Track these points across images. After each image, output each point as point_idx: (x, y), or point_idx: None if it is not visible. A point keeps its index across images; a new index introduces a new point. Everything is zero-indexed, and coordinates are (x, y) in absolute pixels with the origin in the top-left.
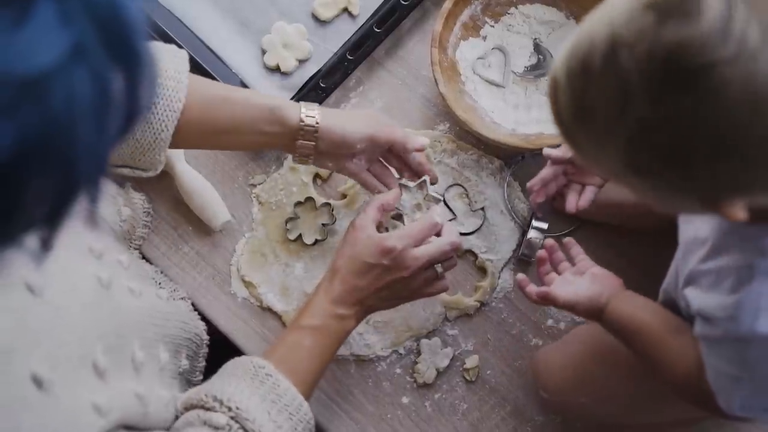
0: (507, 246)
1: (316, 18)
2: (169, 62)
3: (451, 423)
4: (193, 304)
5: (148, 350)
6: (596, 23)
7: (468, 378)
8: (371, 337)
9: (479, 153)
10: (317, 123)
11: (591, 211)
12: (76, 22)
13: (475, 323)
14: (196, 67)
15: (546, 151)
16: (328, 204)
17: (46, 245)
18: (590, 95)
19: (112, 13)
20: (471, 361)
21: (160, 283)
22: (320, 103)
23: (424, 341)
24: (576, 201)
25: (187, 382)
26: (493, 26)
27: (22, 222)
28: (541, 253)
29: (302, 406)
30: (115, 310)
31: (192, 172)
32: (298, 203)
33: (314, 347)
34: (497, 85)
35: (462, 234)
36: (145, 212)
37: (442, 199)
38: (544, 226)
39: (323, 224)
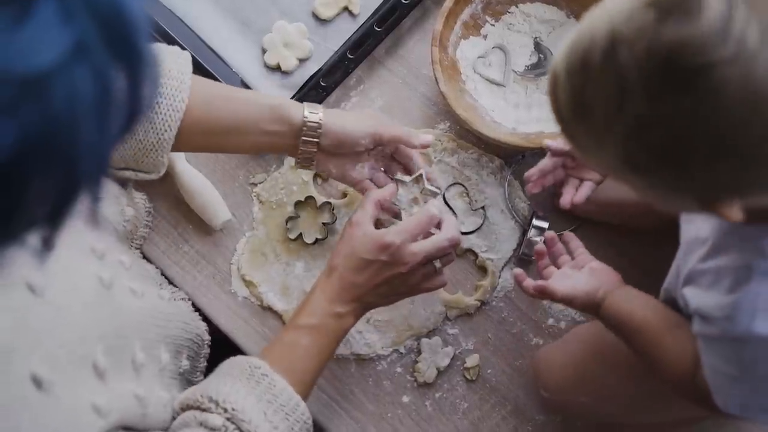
0: (507, 245)
1: (316, 17)
2: (172, 63)
3: (452, 422)
4: (193, 304)
5: (149, 351)
6: (597, 20)
7: (468, 377)
8: (372, 336)
9: (480, 152)
10: (320, 120)
11: (591, 210)
12: (78, 20)
13: (475, 322)
14: (197, 67)
15: (546, 142)
16: (328, 203)
17: (47, 244)
18: (589, 91)
19: (114, 11)
20: (471, 360)
21: (161, 284)
22: (321, 101)
23: (424, 340)
24: (571, 197)
25: (188, 383)
26: (493, 25)
27: (23, 221)
28: (540, 247)
29: (299, 406)
30: (116, 310)
31: (192, 171)
32: (299, 202)
33: (312, 346)
34: (498, 84)
35: (462, 233)
36: (146, 212)
37: (439, 192)
38: (545, 225)
39: (324, 223)
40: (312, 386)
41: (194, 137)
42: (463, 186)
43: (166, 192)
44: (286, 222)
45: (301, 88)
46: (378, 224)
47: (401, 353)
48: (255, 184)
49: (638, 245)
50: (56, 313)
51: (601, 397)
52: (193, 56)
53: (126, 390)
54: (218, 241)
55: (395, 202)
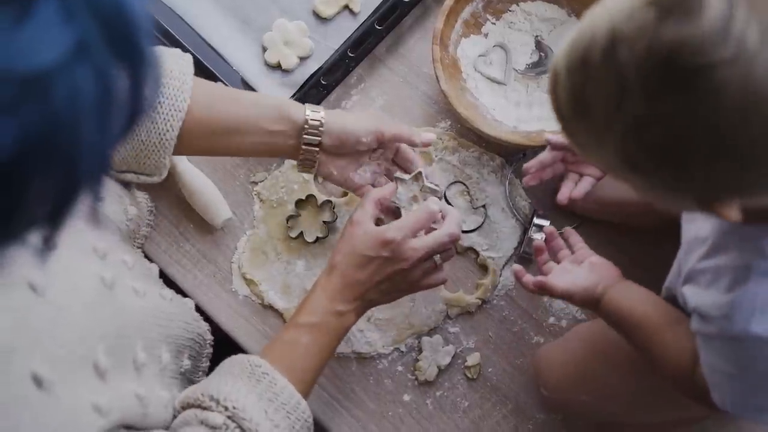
0: (508, 244)
1: (317, 15)
2: (173, 64)
3: (453, 420)
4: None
5: (150, 351)
6: (598, 18)
7: (469, 375)
8: (372, 334)
9: (480, 150)
10: (322, 118)
11: (591, 208)
12: (79, 20)
13: (476, 321)
14: (198, 65)
15: (546, 135)
16: (329, 201)
17: (48, 244)
18: (589, 90)
19: (115, 11)
20: (472, 359)
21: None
22: (321, 100)
23: (425, 339)
24: (569, 192)
25: (190, 382)
26: (494, 23)
27: (23, 220)
28: (539, 242)
29: (300, 405)
30: (118, 310)
31: (193, 170)
32: (300, 201)
33: (312, 345)
34: (499, 83)
35: (463, 232)
36: (149, 211)
37: (438, 189)
38: (546, 223)
39: (324, 222)
40: (313, 385)
41: (196, 138)
42: (464, 184)
43: (167, 191)
44: (287, 220)
45: (302, 86)
46: (378, 223)
47: (402, 352)
48: (256, 183)
49: (638, 243)
50: (57, 313)
51: (602, 396)
52: (193, 54)
53: (127, 389)
54: (219, 239)
55: (395, 200)
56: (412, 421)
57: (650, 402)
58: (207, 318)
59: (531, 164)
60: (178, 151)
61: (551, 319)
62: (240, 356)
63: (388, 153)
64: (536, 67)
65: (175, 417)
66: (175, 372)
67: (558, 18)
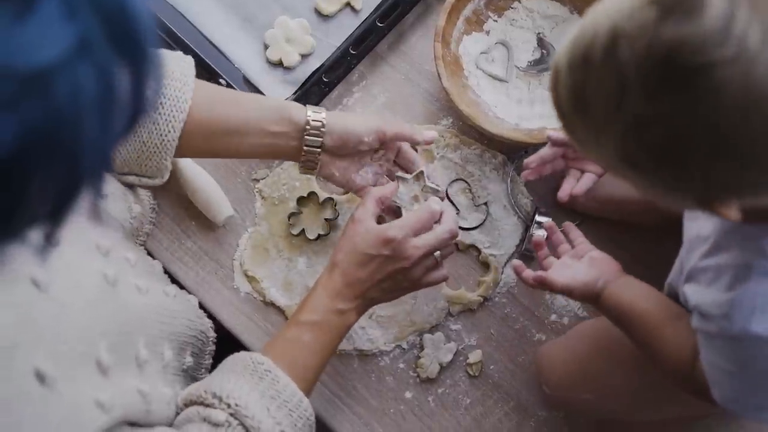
0: (510, 241)
1: (318, 13)
2: (175, 66)
3: (455, 418)
4: None
5: (153, 348)
6: (600, 15)
7: (471, 373)
8: (374, 331)
9: (482, 148)
10: (324, 119)
11: (592, 206)
12: (81, 16)
13: (478, 318)
14: (199, 63)
15: (547, 131)
16: (330, 199)
17: (50, 240)
18: (589, 87)
19: (118, 8)
20: (474, 356)
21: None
22: (323, 97)
23: (427, 336)
24: (570, 189)
25: (192, 379)
26: (496, 21)
27: (25, 217)
28: (538, 237)
29: (302, 402)
30: (120, 307)
31: (195, 167)
32: (301, 198)
33: (314, 343)
34: (500, 80)
35: (465, 229)
36: (151, 208)
37: (439, 189)
38: (548, 221)
39: (326, 219)
40: (314, 383)
41: (197, 140)
42: (466, 182)
43: (168, 188)
44: (289, 218)
45: (304, 84)
46: (380, 222)
47: (404, 349)
48: (257, 180)
49: (640, 241)
50: (60, 309)
51: (604, 393)
52: (195, 52)
53: (129, 386)
54: (221, 237)
55: (396, 200)
56: (413, 419)
57: (652, 400)
58: (209, 315)
59: (531, 159)
60: (179, 153)
61: (553, 317)
62: (242, 354)
63: (389, 154)
64: (538, 65)
65: (177, 414)
66: (178, 369)
67: (560, 15)
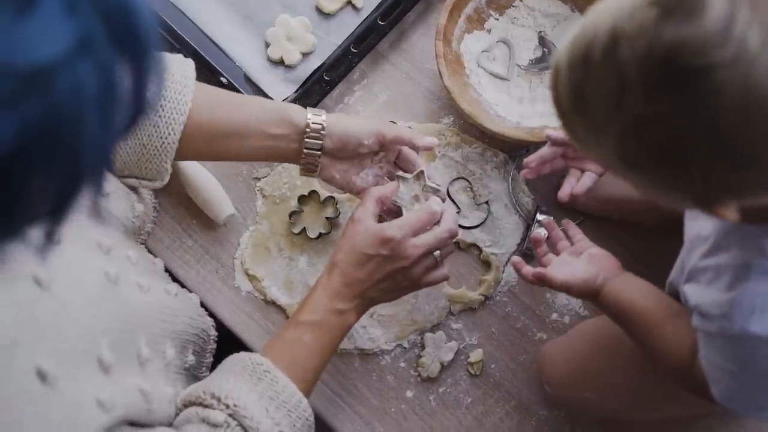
0: (511, 240)
1: (320, 11)
2: (175, 68)
3: (456, 417)
4: None
5: (155, 346)
6: (601, 14)
7: (472, 372)
8: (375, 330)
9: (483, 146)
10: (324, 121)
11: (592, 206)
12: (82, 14)
13: (479, 317)
14: (200, 61)
15: (547, 131)
16: (332, 197)
17: (50, 238)
18: (589, 86)
19: (119, 5)
20: (475, 355)
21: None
22: (324, 96)
23: (428, 335)
24: (570, 190)
25: (194, 378)
26: (497, 19)
27: (25, 214)
28: (537, 234)
29: (301, 403)
30: (122, 305)
31: (196, 166)
32: (302, 197)
33: (313, 343)
34: (502, 78)
35: (466, 227)
36: (153, 207)
37: (440, 188)
38: (549, 219)
39: (327, 218)
40: (314, 383)
41: (197, 143)
42: (467, 180)
43: (169, 187)
44: (290, 216)
45: (305, 82)
46: (381, 221)
47: (405, 348)
48: (258, 179)
49: (640, 240)
50: (61, 308)
51: (605, 393)
52: (195, 50)
53: (131, 385)
54: (222, 235)
55: (397, 200)
56: (414, 418)
57: (653, 399)
58: (210, 314)
59: (531, 159)
60: (179, 155)
61: (554, 316)
62: (241, 354)
63: (390, 156)
64: (539, 63)
65: (177, 415)
66: (180, 367)
67: (561, 14)
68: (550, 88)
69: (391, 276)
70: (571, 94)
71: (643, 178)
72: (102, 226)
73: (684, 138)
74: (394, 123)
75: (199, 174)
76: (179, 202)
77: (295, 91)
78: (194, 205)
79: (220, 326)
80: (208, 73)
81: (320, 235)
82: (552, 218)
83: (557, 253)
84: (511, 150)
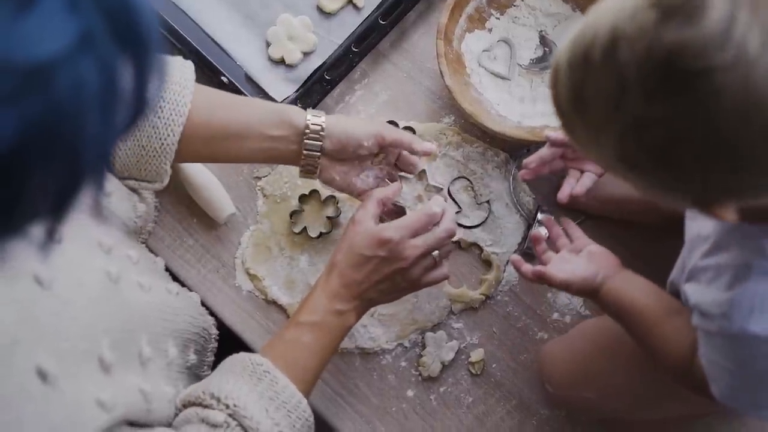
0: (512, 239)
1: (321, 10)
2: (174, 70)
3: (456, 416)
4: None
5: (156, 345)
6: (602, 15)
7: (473, 371)
8: (376, 330)
9: (484, 146)
10: (323, 123)
11: (593, 206)
12: (83, 10)
13: (480, 316)
14: (201, 60)
15: (546, 132)
16: (332, 197)
17: (51, 236)
18: (589, 87)
19: (121, 2)
20: (476, 355)
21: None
22: (325, 95)
23: (429, 334)
24: (569, 191)
25: (196, 377)
26: (498, 18)
27: (26, 212)
28: (536, 232)
29: (301, 403)
30: (123, 304)
31: (197, 165)
32: (303, 196)
33: (313, 343)
34: (503, 78)
35: (467, 227)
36: (154, 207)
37: (443, 188)
38: (549, 217)
39: (328, 217)
40: (314, 383)
41: (197, 144)
42: (468, 180)
43: (170, 187)
44: (291, 216)
45: (306, 81)
46: (383, 222)
47: (406, 347)
48: (259, 178)
49: (640, 239)
50: (62, 307)
51: (606, 392)
52: (197, 50)
53: (131, 384)
54: (222, 235)
55: (400, 200)
56: (415, 417)
57: (654, 398)
58: (211, 313)
59: (530, 160)
60: (179, 157)
61: (555, 315)
62: (241, 354)
63: (390, 157)
64: (540, 63)
65: (176, 415)
66: (182, 366)
67: (562, 13)
68: (550, 88)
69: (390, 277)
70: (571, 94)
71: (642, 178)
72: (103, 225)
73: (683, 140)
74: (395, 123)
75: (200, 173)
76: (180, 201)
77: (296, 91)
78: (195, 204)
79: (220, 326)
80: (209, 72)
81: (321, 234)
82: (553, 218)
83: (557, 251)
84: (512, 149)
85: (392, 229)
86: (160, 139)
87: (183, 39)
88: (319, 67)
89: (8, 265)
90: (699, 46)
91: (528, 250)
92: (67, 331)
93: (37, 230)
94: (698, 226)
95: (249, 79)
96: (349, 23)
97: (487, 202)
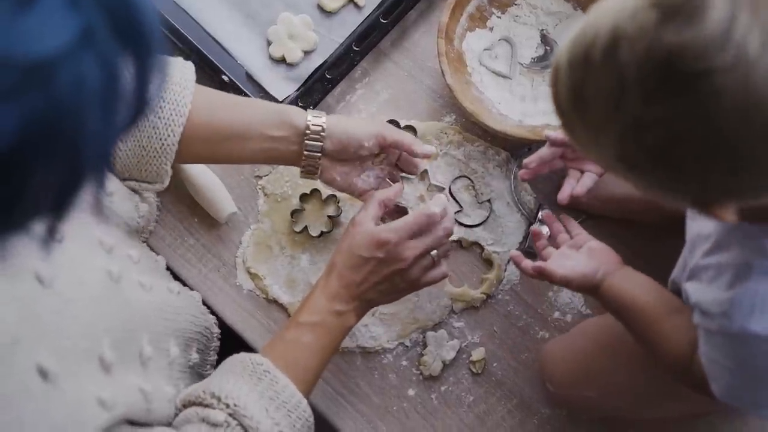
0: (513, 238)
1: (321, 9)
2: (175, 70)
3: (457, 415)
4: None
5: (158, 344)
6: (602, 14)
7: (474, 370)
8: (377, 329)
9: (486, 145)
10: (324, 123)
11: (593, 205)
12: (84, 6)
13: (481, 315)
14: (202, 59)
15: (546, 132)
16: (333, 196)
17: (52, 234)
18: (589, 86)
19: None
20: (477, 354)
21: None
22: (326, 94)
23: (430, 333)
24: (569, 191)
25: (199, 376)
26: (499, 17)
27: (27, 209)
28: (535, 228)
29: (301, 403)
30: (124, 304)
31: (198, 164)
32: (304, 195)
33: (313, 343)
34: (504, 77)
35: (468, 226)
36: (156, 207)
37: (444, 187)
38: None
39: (329, 216)
40: (314, 384)
41: (197, 145)
42: (469, 179)
43: (171, 186)
44: (292, 215)
45: (306, 80)
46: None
47: (407, 346)
48: (260, 177)
49: (641, 238)
50: (63, 305)
51: (607, 391)
52: (197, 48)
53: (132, 384)
54: (223, 234)
55: (401, 201)
56: (416, 416)
57: (655, 397)
58: (212, 312)
59: (530, 159)
60: (179, 158)
61: (556, 314)
62: (241, 354)
63: (391, 157)
64: (541, 61)
65: (176, 415)
66: (184, 366)
67: (563, 12)
68: (550, 87)
69: (389, 278)
70: (571, 94)
71: (642, 178)
72: (104, 224)
73: (683, 140)
74: (397, 122)
75: (201, 173)
76: (181, 200)
77: (297, 90)
78: (196, 203)
79: (221, 325)
80: (210, 71)
81: (322, 233)
82: (552, 213)
83: (557, 247)
84: (514, 148)
85: (390, 230)
86: (161, 139)
87: (184, 38)
88: (320, 66)
89: (9, 263)
90: (699, 47)
91: (529, 249)
92: (68, 329)
93: (38, 228)
94: (699, 226)
95: (250, 78)
96: (350, 22)
97: (488, 201)
